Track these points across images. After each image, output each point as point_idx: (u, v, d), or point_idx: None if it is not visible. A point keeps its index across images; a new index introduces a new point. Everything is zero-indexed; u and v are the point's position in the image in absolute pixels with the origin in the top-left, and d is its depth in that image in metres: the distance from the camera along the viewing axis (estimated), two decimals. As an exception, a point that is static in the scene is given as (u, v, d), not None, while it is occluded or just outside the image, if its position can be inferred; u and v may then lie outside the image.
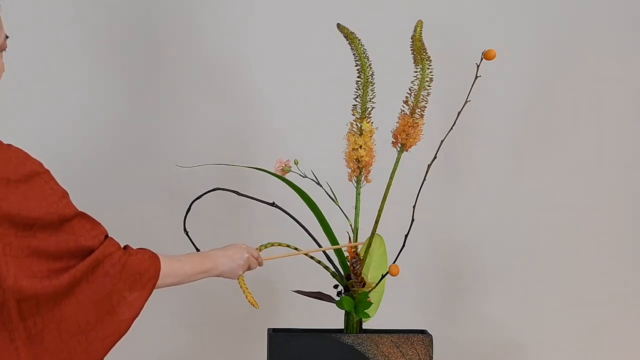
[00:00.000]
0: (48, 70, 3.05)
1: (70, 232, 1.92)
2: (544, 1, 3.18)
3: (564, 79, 3.19)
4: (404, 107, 2.44)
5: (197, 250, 2.35)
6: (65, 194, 1.93)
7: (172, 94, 3.09)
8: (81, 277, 1.91)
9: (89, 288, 1.93)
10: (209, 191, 2.46)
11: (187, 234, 2.42)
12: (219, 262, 2.19)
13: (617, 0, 3.20)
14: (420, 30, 2.41)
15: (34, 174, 1.89)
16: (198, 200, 2.44)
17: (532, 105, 3.19)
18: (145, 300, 2.00)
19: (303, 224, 2.46)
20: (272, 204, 2.47)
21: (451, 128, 2.49)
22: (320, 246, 2.47)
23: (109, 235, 1.99)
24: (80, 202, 3.01)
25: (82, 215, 1.95)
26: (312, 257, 2.48)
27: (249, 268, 2.29)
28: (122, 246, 2.00)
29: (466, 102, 2.48)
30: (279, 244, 2.46)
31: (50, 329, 1.89)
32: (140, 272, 1.99)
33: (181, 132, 3.09)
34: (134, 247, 2.04)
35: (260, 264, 2.32)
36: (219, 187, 2.47)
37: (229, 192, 2.49)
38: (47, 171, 1.92)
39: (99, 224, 1.98)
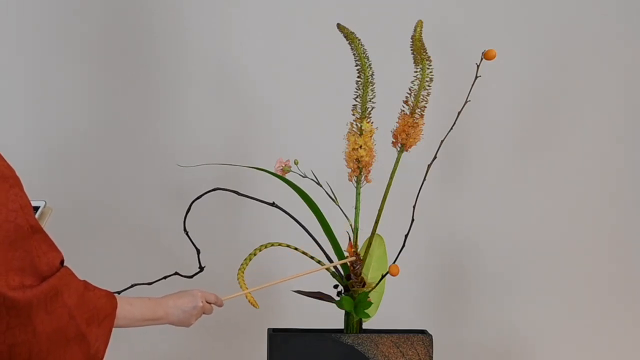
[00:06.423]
0: (48, 70, 3.05)
1: (26, 249, 1.80)
2: (544, 1, 3.18)
3: (563, 79, 3.19)
4: (404, 107, 2.44)
5: (198, 250, 2.35)
6: (28, 205, 1.82)
7: (172, 94, 3.09)
8: (38, 304, 1.80)
9: (48, 319, 1.81)
10: (209, 191, 2.46)
11: (187, 234, 2.41)
12: (169, 312, 2.08)
13: (617, 0, 3.20)
14: (420, 30, 2.41)
15: None
16: (198, 200, 2.44)
17: (532, 105, 3.18)
18: (103, 339, 1.89)
19: (303, 224, 2.46)
20: (272, 204, 2.47)
21: (451, 128, 2.49)
22: (319, 246, 2.47)
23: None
24: (80, 202, 3.04)
25: (41, 233, 1.84)
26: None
27: (205, 313, 2.17)
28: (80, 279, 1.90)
29: (466, 102, 2.48)
30: (279, 244, 2.45)
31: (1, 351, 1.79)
32: (97, 308, 1.88)
33: (181, 132, 3.09)
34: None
35: (219, 305, 2.21)
36: (219, 187, 2.47)
37: (229, 192, 2.49)
38: (16, 177, 1.82)
39: (56, 247, 1.86)
